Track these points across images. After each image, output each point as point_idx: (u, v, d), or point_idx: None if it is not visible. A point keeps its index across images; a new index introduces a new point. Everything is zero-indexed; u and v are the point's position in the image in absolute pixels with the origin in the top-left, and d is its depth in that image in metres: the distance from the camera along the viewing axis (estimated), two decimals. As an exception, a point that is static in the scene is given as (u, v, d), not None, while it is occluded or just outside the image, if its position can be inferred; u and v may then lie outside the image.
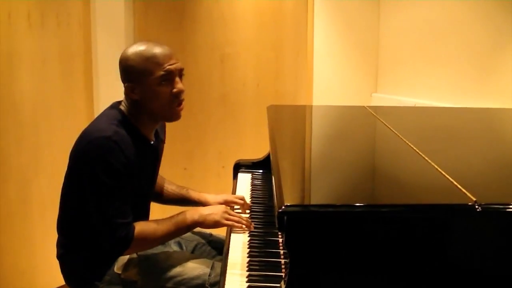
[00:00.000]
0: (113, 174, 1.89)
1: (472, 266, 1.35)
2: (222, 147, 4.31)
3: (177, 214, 2.06)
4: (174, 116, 2.06)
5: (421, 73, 3.60)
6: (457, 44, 3.18)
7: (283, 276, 1.63)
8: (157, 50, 1.99)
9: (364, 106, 2.83)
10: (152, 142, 2.12)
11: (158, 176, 2.42)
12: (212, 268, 2.03)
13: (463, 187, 1.44)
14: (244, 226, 2.08)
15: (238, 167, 2.82)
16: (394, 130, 2.17)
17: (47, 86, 3.46)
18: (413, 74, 3.71)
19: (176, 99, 2.02)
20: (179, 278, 2.01)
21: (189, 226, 2.06)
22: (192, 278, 2.01)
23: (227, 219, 2.08)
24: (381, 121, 2.42)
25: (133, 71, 1.97)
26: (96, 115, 3.76)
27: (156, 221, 2.03)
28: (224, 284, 1.70)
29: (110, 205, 1.90)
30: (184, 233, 2.18)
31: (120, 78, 2.04)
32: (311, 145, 2.24)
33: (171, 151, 4.29)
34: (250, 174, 2.76)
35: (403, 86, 3.86)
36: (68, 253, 2.10)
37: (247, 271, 1.76)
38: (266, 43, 4.21)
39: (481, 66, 2.98)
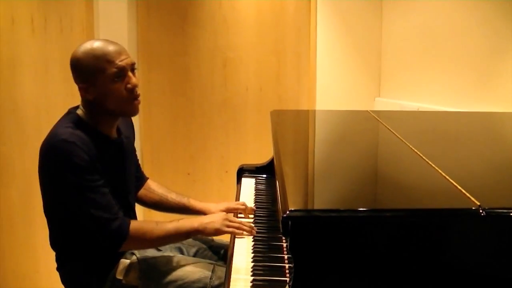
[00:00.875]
0: (79, 171, 1.87)
1: (476, 270, 1.35)
2: (224, 152, 4.31)
3: (178, 220, 2.05)
4: (131, 111, 2.04)
5: (424, 77, 3.59)
6: (460, 48, 3.18)
7: (288, 281, 1.63)
8: (107, 47, 1.96)
9: (367, 111, 2.83)
10: (113, 139, 2.10)
11: (157, 185, 2.41)
12: (213, 271, 2.03)
13: (466, 191, 1.43)
14: (245, 232, 2.08)
15: (242, 172, 2.81)
16: (397, 134, 2.16)
17: (50, 91, 3.47)
18: (416, 78, 3.71)
19: (131, 95, 1.99)
20: (180, 282, 2.01)
21: (189, 233, 2.05)
22: (193, 282, 2.00)
23: (228, 226, 2.06)
24: (384, 125, 2.42)
25: (85, 71, 1.95)
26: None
27: (155, 222, 2.02)
28: (228, 288, 1.70)
29: (90, 202, 1.89)
30: (183, 240, 2.18)
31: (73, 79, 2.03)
32: (314, 149, 2.24)
33: (174, 156, 4.30)
34: (254, 178, 2.76)
35: (406, 91, 3.85)
36: (67, 266, 2.10)
37: (252, 276, 1.76)
38: (269, 47, 4.21)
39: (483, 70, 2.98)
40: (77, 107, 2.08)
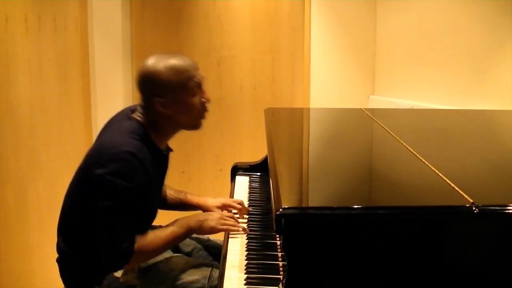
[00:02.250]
0: (134, 193, 1.85)
1: (470, 267, 1.35)
2: (219, 150, 4.31)
3: (173, 222, 2.04)
4: (200, 125, 2.08)
5: (418, 75, 3.60)
6: (454, 46, 3.19)
7: (281, 279, 1.63)
8: (186, 62, 1.98)
9: (361, 109, 2.84)
10: (164, 152, 2.11)
11: None
12: (211, 272, 2.03)
13: (460, 189, 1.44)
14: (240, 229, 2.08)
15: (236, 170, 2.82)
16: (391, 132, 2.17)
17: (44, 90, 3.47)
18: (410, 76, 3.72)
19: (204, 109, 2.04)
20: (178, 283, 2.01)
21: (186, 233, 2.05)
22: (191, 282, 2.00)
23: (223, 224, 2.07)
24: (378, 123, 2.42)
25: (166, 86, 1.94)
26: (93, 119, 3.79)
27: (153, 232, 2.00)
28: (222, 286, 1.70)
29: (120, 223, 1.86)
30: (182, 241, 2.18)
31: (141, 91, 2.00)
32: (308, 147, 2.24)
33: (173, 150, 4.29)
34: (248, 176, 2.76)
35: (400, 88, 3.86)
36: (68, 257, 2.08)
37: (245, 273, 1.76)
38: (263, 46, 4.21)
39: (478, 68, 2.98)
40: (133, 110, 2.06)
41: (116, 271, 2.02)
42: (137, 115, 2.02)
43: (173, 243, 2.10)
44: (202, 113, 2.04)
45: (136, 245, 1.91)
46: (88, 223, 1.96)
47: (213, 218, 2.08)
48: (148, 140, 1.96)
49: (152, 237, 1.97)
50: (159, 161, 2.05)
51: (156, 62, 1.95)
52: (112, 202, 1.86)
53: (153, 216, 2.19)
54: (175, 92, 1.95)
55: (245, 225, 2.14)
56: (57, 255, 2.12)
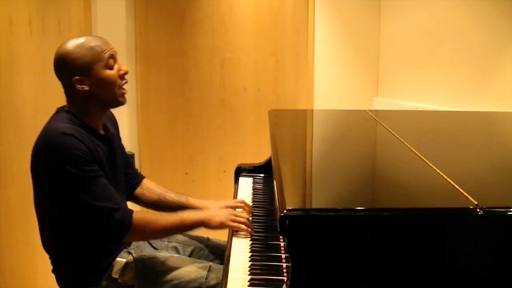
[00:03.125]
0: (79, 163, 1.88)
1: (474, 269, 1.35)
2: (222, 152, 4.31)
3: (183, 211, 2.07)
4: (122, 99, 2.08)
5: (422, 77, 3.60)
6: (458, 48, 3.18)
7: (285, 280, 1.63)
8: (95, 38, 2.04)
9: (365, 110, 2.83)
10: (102, 135, 2.11)
11: (155, 184, 2.41)
12: (209, 270, 2.02)
13: (464, 191, 1.44)
14: (249, 229, 2.08)
15: (239, 171, 2.81)
16: (395, 134, 2.17)
17: (48, 91, 3.47)
18: (414, 78, 3.71)
19: (122, 80, 2.06)
20: (175, 282, 2.01)
21: (194, 224, 2.06)
22: (189, 281, 2.00)
23: (233, 221, 2.07)
24: (382, 124, 2.42)
25: (80, 63, 1.98)
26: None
27: (159, 213, 2.05)
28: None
29: (91, 193, 1.89)
30: (188, 230, 2.18)
31: (59, 76, 2.05)
32: (312, 149, 2.24)
33: (172, 156, 4.30)
34: (252, 178, 2.75)
35: (404, 90, 3.86)
36: (62, 267, 2.09)
37: (249, 275, 1.76)
38: (267, 47, 4.21)
39: (481, 70, 2.98)
40: (63, 107, 2.09)
41: (118, 241, 2.02)
42: (65, 106, 2.07)
43: (179, 230, 2.12)
44: (120, 85, 2.06)
45: (138, 217, 1.94)
46: (66, 222, 1.98)
47: (224, 213, 2.09)
48: (79, 122, 2.00)
49: (157, 216, 2.02)
50: (100, 142, 2.05)
51: (65, 45, 2.01)
52: (71, 181, 1.89)
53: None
54: (89, 67, 1.99)
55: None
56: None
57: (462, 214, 1.34)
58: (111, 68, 2.02)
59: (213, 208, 2.22)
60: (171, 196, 2.39)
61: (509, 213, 1.34)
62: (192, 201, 2.38)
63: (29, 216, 3.40)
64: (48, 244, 2.11)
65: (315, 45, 4.16)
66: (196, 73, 4.22)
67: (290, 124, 2.74)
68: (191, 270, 2.03)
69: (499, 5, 2.83)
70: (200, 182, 4.33)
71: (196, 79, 4.23)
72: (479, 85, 3.01)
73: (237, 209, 2.32)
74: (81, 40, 2.01)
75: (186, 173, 4.31)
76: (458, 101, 3.16)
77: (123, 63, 2.09)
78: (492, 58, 2.89)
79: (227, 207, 2.31)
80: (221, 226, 2.07)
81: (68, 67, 2.00)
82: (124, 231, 1.93)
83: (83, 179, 1.89)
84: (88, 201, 1.89)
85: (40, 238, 2.12)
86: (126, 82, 2.08)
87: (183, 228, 2.10)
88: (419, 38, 3.62)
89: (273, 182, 1.80)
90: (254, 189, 2.61)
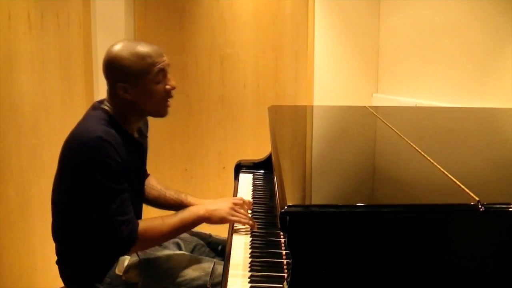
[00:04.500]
0: (111, 174, 1.87)
1: (475, 266, 1.35)
2: (222, 148, 4.31)
3: (183, 211, 2.06)
4: (165, 112, 2.07)
5: (422, 73, 3.59)
6: (457, 44, 3.18)
7: (286, 277, 1.63)
8: (150, 48, 1.99)
9: (365, 106, 2.83)
10: (136, 139, 2.11)
11: (156, 181, 2.41)
12: (213, 269, 2.03)
13: (465, 187, 1.43)
14: (250, 223, 2.07)
15: (239, 168, 2.81)
16: (395, 130, 2.16)
17: (47, 88, 3.46)
18: (413, 74, 3.71)
19: (168, 95, 2.04)
20: (180, 280, 2.01)
21: (195, 222, 2.06)
22: (193, 279, 2.00)
23: (233, 215, 2.07)
24: (382, 121, 2.41)
25: (128, 72, 1.95)
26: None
27: (161, 217, 2.02)
28: (226, 285, 1.69)
29: (111, 205, 1.88)
30: (190, 229, 2.17)
31: (106, 77, 2.03)
32: (312, 145, 2.24)
33: (172, 152, 4.30)
34: (251, 174, 2.75)
35: (403, 86, 3.85)
36: (67, 259, 2.08)
37: (249, 271, 1.76)
38: (266, 44, 4.21)
39: (481, 65, 2.97)
40: (101, 102, 2.07)
41: (124, 254, 2.02)
42: (105, 104, 2.04)
43: (182, 230, 2.11)
44: (166, 100, 2.04)
45: (142, 228, 1.93)
46: (80, 217, 1.98)
47: (224, 208, 2.08)
48: (115, 125, 1.98)
49: (159, 222, 1.99)
50: (131, 145, 2.05)
51: (121, 48, 1.97)
52: (94, 188, 1.88)
53: (138, 205, 2.19)
54: (137, 78, 1.96)
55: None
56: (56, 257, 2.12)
57: (464, 211, 1.34)
58: (159, 82, 1.99)
59: (214, 201, 2.20)
60: (171, 193, 2.39)
61: (510, 209, 1.33)
62: (191, 199, 2.38)
63: (28, 213, 3.41)
64: (57, 232, 2.10)
65: (315, 41, 4.15)
66: (196, 69, 4.22)
67: (290, 120, 2.74)
68: (195, 267, 2.03)
69: (498, 1, 2.83)
70: (199, 179, 4.33)
71: (195, 75, 4.22)
72: (479, 81, 3.00)
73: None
74: (135, 46, 1.98)
75: (186, 170, 4.31)
76: (458, 98, 3.16)
77: (173, 77, 2.06)
78: (492, 54, 2.89)
79: None
80: (221, 221, 2.07)
81: (115, 71, 1.98)
82: (129, 245, 1.92)
83: (108, 190, 1.88)
84: (104, 212, 1.89)
85: (51, 225, 2.11)
86: (171, 97, 2.05)
87: (185, 228, 2.09)
88: (419, 34, 3.62)
89: (273, 179, 1.80)
90: (254, 185, 2.61)
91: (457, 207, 1.35)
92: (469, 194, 1.38)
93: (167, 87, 2.02)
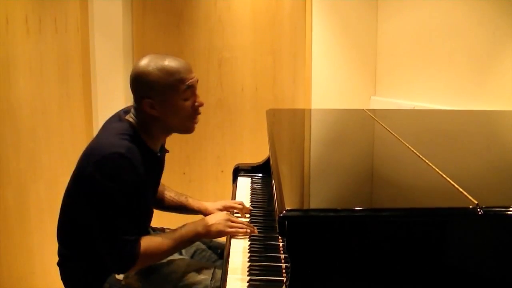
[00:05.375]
0: (125, 193, 1.84)
1: (475, 269, 1.35)
2: (220, 152, 4.31)
3: (181, 227, 2.03)
4: (191, 129, 2.04)
5: (420, 76, 3.59)
6: (455, 46, 3.18)
7: (284, 281, 1.63)
8: (179, 64, 1.94)
9: (363, 109, 2.83)
10: (158, 155, 2.09)
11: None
12: (213, 273, 2.02)
13: (464, 190, 1.43)
14: (248, 231, 2.07)
15: (238, 171, 2.81)
16: (393, 133, 2.16)
17: (45, 91, 3.46)
18: (411, 77, 3.71)
19: (196, 113, 2.01)
20: (180, 284, 2.00)
21: (193, 238, 2.05)
22: (194, 284, 1.99)
23: (231, 227, 2.06)
24: (380, 124, 2.41)
25: (155, 87, 1.91)
26: (94, 120, 3.79)
27: (160, 235, 2.01)
28: (225, 289, 1.69)
29: (117, 224, 1.85)
30: (189, 245, 2.16)
31: (132, 91, 1.98)
32: (310, 148, 2.24)
33: (170, 156, 4.27)
34: (250, 178, 2.75)
35: (402, 89, 3.85)
36: (69, 262, 2.08)
37: (248, 275, 1.76)
38: (264, 47, 4.21)
39: (479, 68, 2.97)
40: (127, 112, 2.04)
41: (123, 273, 2.01)
42: (130, 116, 2.00)
43: (180, 247, 2.09)
44: (193, 117, 2.01)
45: (143, 248, 1.90)
46: (86, 225, 1.96)
47: (220, 221, 2.06)
48: (138, 140, 1.94)
49: (159, 240, 1.97)
50: (152, 161, 2.03)
51: (148, 62, 1.93)
52: (104, 205, 1.85)
53: (149, 216, 2.19)
54: (164, 94, 1.92)
55: (251, 225, 2.13)
56: (57, 258, 2.12)
57: (462, 214, 1.34)
58: (187, 99, 1.96)
59: (210, 216, 2.17)
60: (171, 195, 2.39)
61: (509, 212, 1.33)
62: (191, 201, 2.38)
63: (26, 216, 3.40)
64: (62, 235, 2.09)
65: (312, 44, 4.15)
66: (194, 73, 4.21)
67: (288, 124, 2.74)
68: (196, 272, 2.03)
69: (497, 3, 2.83)
70: (198, 182, 4.33)
71: (193, 78, 4.22)
72: (477, 84, 3.00)
73: (234, 211, 2.32)
74: (163, 61, 1.93)
75: (184, 173, 4.30)
76: (457, 100, 3.16)
77: (200, 94, 2.03)
78: (491, 57, 2.89)
79: (225, 207, 2.31)
80: (219, 234, 2.06)
81: (142, 87, 1.94)
82: (131, 264, 1.89)
83: (118, 208, 1.85)
84: (109, 228, 1.86)
85: (57, 226, 2.09)
86: (199, 114, 2.03)
87: (184, 245, 2.07)
88: (417, 37, 3.62)
89: (271, 182, 1.79)
90: (252, 189, 2.61)
91: (456, 210, 1.35)
92: (468, 198, 1.38)
93: (196, 104, 1.99)
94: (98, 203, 1.86)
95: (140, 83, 1.93)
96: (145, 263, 1.97)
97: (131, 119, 1.99)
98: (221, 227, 2.05)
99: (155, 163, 2.07)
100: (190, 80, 1.95)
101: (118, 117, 2.04)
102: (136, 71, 1.94)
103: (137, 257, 1.88)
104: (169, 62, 1.93)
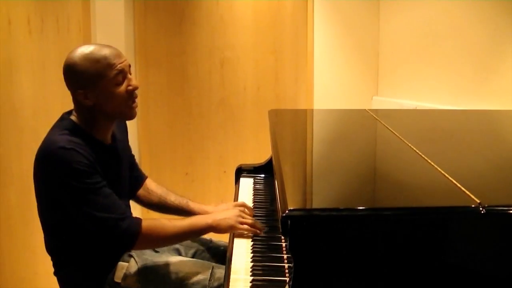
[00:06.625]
0: (81, 176, 1.84)
1: (477, 268, 1.34)
2: (222, 152, 4.31)
3: (191, 217, 2.05)
4: (130, 114, 2.02)
5: (422, 75, 3.59)
6: (457, 46, 3.18)
7: (287, 281, 1.63)
8: (106, 50, 1.93)
9: (365, 109, 2.83)
10: (108, 145, 2.07)
11: (156, 185, 2.40)
12: (211, 272, 2.02)
13: (466, 189, 1.43)
14: (258, 232, 2.06)
15: (240, 172, 2.81)
16: (395, 133, 2.16)
17: (47, 92, 3.46)
18: (413, 76, 3.71)
19: (131, 97, 1.98)
20: (179, 285, 2.00)
21: (203, 229, 2.03)
22: (193, 284, 1.99)
23: (241, 223, 2.05)
24: (382, 123, 2.41)
25: (84, 77, 1.90)
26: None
27: (169, 219, 2.01)
28: (228, 289, 1.69)
29: (94, 205, 1.85)
30: (197, 237, 2.15)
31: (66, 85, 1.99)
32: (312, 148, 2.24)
33: (172, 156, 4.29)
34: (252, 178, 2.75)
35: (404, 89, 3.85)
36: (64, 270, 2.07)
37: (251, 276, 1.76)
38: (266, 46, 4.21)
39: (481, 68, 2.97)
40: (70, 112, 2.05)
41: (128, 250, 2.00)
42: (73, 114, 2.01)
43: (188, 236, 2.10)
44: (129, 101, 1.98)
45: (146, 225, 1.91)
46: (70, 229, 1.96)
47: (232, 216, 2.05)
48: (82, 133, 1.94)
49: (165, 222, 1.98)
50: (104, 152, 2.01)
51: (73, 54, 1.94)
52: (72, 195, 1.86)
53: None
54: (94, 82, 1.91)
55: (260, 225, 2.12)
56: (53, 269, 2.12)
57: (465, 213, 1.34)
58: (119, 84, 1.93)
59: (220, 210, 2.18)
60: (172, 199, 2.37)
61: (511, 211, 1.33)
62: (192, 205, 2.37)
63: (29, 217, 3.40)
64: (51, 247, 2.09)
65: (314, 44, 4.15)
66: (196, 72, 4.21)
67: (290, 124, 2.74)
68: (194, 272, 2.02)
69: (498, 3, 2.83)
70: (200, 182, 4.33)
71: (195, 78, 4.22)
72: (479, 83, 3.00)
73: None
74: (89, 50, 1.92)
75: (187, 174, 4.30)
76: (458, 100, 3.16)
77: (134, 77, 2.00)
78: (492, 56, 2.89)
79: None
80: (230, 229, 2.05)
81: (72, 79, 1.95)
82: (133, 239, 1.90)
83: (86, 192, 1.85)
84: (93, 213, 1.86)
85: (43, 240, 2.10)
86: (135, 98, 2.00)
87: (192, 234, 2.07)
88: (419, 37, 3.62)
89: (274, 182, 1.79)
90: (255, 189, 2.60)
91: (458, 209, 1.35)
92: (470, 196, 1.38)
93: (129, 88, 1.96)
94: (65, 199, 1.88)
95: (70, 75, 1.95)
96: (149, 243, 1.98)
97: (72, 116, 2.00)
98: (232, 222, 2.03)
99: (107, 154, 2.04)
100: (120, 65, 1.93)
101: (60, 118, 2.05)
102: (65, 64, 1.95)
103: (138, 231, 1.89)
104: (95, 49, 1.93)
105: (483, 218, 1.32)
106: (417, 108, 3.40)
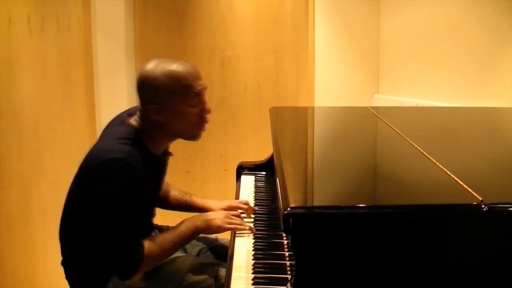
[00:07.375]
0: (125, 199, 1.82)
1: (479, 266, 1.34)
2: (223, 150, 4.31)
3: (179, 224, 2.02)
4: (198, 136, 2.01)
5: (423, 73, 3.59)
6: (458, 44, 3.18)
7: (289, 278, 1.63)
8: (187, 70, 1.90)
9: (366, 107, 2.83)
10: (159, 157, 2.06)
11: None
12: (217, 272, 2.02)
13: (468, 187, 1.43)
14: (247, 228, 2.06)
15: (241, 170, 2.81)
16: (397, 130, 2.16)
17: (48, 91, 3.46)
18: (414, 74, 3.71)
19: (203, 120, 1.97)
20: (184, 283, 2.00)
21: (193, 234, 2.03)
22: (198, 282, 1.99)
23: (229, 223, 2.05)
24: (383, 121, 2.41)
25: (160, 93, 1.87)
26: (97, 120, 3.79)
27: (160, 235, 1.99)
28: (229, 286, 1.69)
29: (119, 229, 1.83)
30: (190, 241, 2.15)
31: (138, 95, 1.93)
32: (314, 146, 2.23)
33: (173, 155, 4.29)
34: (253, 176, 2.75)
35: (404, 87, 3.85)
36: (71, 261, 2.08)
37: (253, 273, 1.75)
38: (266, 45, 4.21)
39: (481, 65, 2.97)
40: (132, 114, 2.01)
41: (128, 278, 1.96)
42: (134, 119, 1.97)
43: (181, 245, 2.07)
44: (200, 124, 1.98)
45: (146, 250, 1.87)
46: (88, 229, 1.95)
47: (219, 217, 2.05)
48: (140, 145, 1.90)
49: (160, 241, 1.95)
50: (154, 165, 2.01)
51: (155, 66, 1.89)
52: (105, 211, 1.83)
53: (151, 215, 2.19)
54: (170, 101, 1.88)
55: (251, 225, 2.13)
56: (61, 258, 2.11)
57: (467, 211, 1.33)
58: (194, 106, 1.92)
59: (209, 212, 2.16)
60: (175, 194, 2.38)
61: (514, 209, 1.33)
62: (196, 200, 2.37)
63: (29, 217, 3.41)
64: (64, 235, 2.08)
65: (315, 42, 4.15)
66: (196, 71, 4.21)
67: (291, 122, 2.74)
68: (199, 270, 2.02)
69: (499, 1, 2.82)
70: (201, 181, 4.33)
71: (196, 77, 4.22)
72: (480, 81, 3.00)
73: (239, 211, 2.31)
74: (171, 67, 1.88)
75: (188, 172, 4.31)
76: (459, 97, 3.15)
77: (207, 101, 1.97)
78: (493, 54, 2.88)
79: (230, 206, 2.29)
80: (219, 229, 2.05)
81: (147, 92, 1.90)
82: (135, 269, 1.87)
83: (117, 212, 1.82)
84: (109, 232, 1.84)
85: (59, 225, 2.08)
86: (207, 122, 1.98)
87: (185, 242, 2.05)
88: (419, 34, 3.62)
89: (275, 180, 1.79)
90: (256, 187, 2.60)
91: (460, 207, 1.35)
92: (472, 194, 1.38)
93: (203, 112, 1.95)
94: (98, 209, 1.84)
95: (146, 88, 1.89)
96: (149, 265, 1.95)
97: (134, 122, 1.96)
98: (219, 222, 2.03)
99: (155, 165, 2.04)
100: (198, 88, 1.91)
101: (120, 120, 2.01)
102: (142, 75, 1.89)
103: (141, 260, 1.86)
104: (177, 68, 1.89)
105: (485, 216, 1.31)
106: (418, 105, 3.40)
